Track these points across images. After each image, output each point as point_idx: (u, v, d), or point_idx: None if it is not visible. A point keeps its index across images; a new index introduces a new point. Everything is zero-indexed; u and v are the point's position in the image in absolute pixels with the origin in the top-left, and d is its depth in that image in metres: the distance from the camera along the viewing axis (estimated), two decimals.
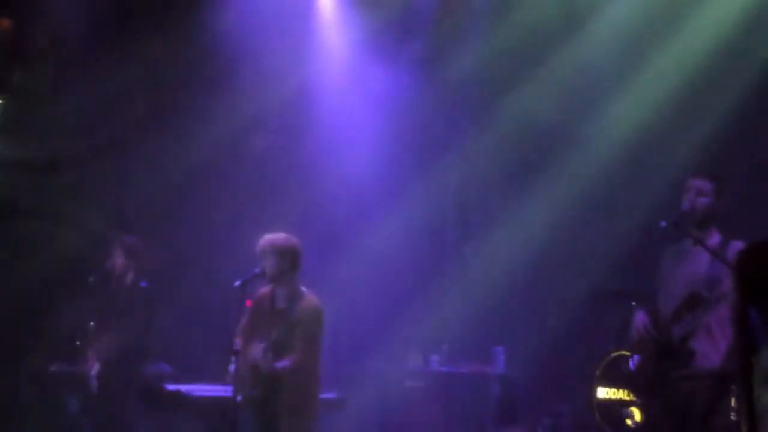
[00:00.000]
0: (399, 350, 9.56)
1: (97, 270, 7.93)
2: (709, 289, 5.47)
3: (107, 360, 7.63)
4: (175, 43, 9.45)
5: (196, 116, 9.67)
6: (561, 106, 9.22)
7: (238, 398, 6.03)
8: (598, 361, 7.96)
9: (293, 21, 9.77)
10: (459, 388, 8.98)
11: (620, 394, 7.75)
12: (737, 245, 5.36)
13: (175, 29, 9.36)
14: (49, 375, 8.12)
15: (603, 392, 7.87)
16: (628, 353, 6.18)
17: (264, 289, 6.44)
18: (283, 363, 6.07)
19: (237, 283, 6.03)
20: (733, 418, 5.38)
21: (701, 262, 5.57)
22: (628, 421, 7.62)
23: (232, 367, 5.96)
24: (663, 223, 5.56)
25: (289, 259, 6.21)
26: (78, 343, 7.92)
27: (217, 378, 6.57)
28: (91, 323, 7.66)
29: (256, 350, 6.10)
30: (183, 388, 7.08)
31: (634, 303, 7.51)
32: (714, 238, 5.61)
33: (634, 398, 6.82)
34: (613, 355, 7.90)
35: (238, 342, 6.16)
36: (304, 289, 6.28)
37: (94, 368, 7.66)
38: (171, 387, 7.13)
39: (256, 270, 6.18)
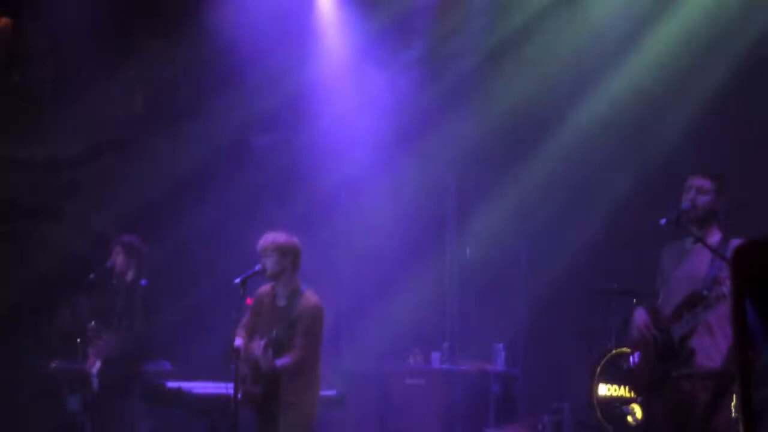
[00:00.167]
0: (399, 348, 9.56)
1: (97, 268, 7.93)
2: (709, 288, 5.47)
3: (108, 358, 7.63)
4: (176, 44, 9.46)
5: (197, 116, 9.68)
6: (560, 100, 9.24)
7: (239, 396, 6.04)
8: (599, 358, 7.96)
9: (293, 22, 9.77)
10: (459, 385, 8.98)
11: (621, 392, 7.75)
12: (737, 244, 5.34)
13: (176, 29, 9.37)
14: (50, 373, 8.13)
15: (604, 390, 7.87)
16: (628, 351, 6.18)
17: (265, 288, 6.45)
18: (283, 360, 6.08)
19: (237, 280, 6.04)
20: (734, 416, 5.38)
21: (702, 261, 5.57)
22: (629, 419, 7.62)
23: (232, 365, 5.96)
24: (663, 222, 5.56)
25: (290, 258, 6.22)
26: (78, 340, 7.92)
27: (218, 375, 6.58)
28: (92, 323, 7.64)
29: (257, 347, 6.11)
30: (183, 385, 7.09)
31: (634, 300, 7.53)
32: (714, 237, 5.61)
33: (635, 396, 6.82)
34: (613, 352, 7.91)
35: (238, 340, 6.18)
36: (304, 287, 6.29)
37: (96, 366, 7.66)
38: (171, 384, 7.15)
39: (257, 267, 6.18)
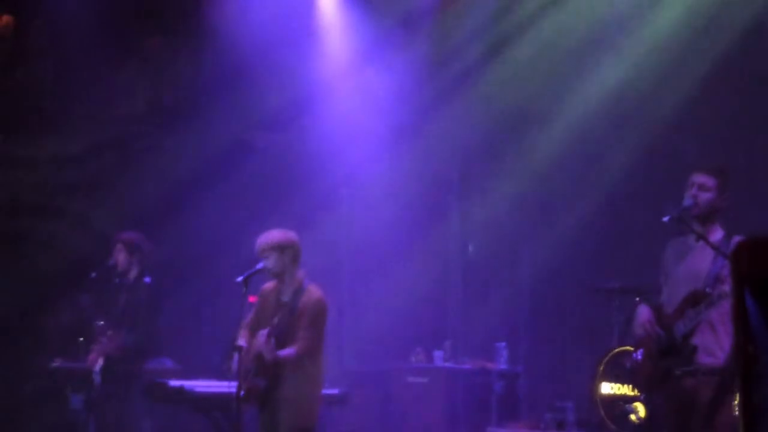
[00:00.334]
0: (401, 346, 9.56)
1: (99, 266, 7.93)
2: (711, 286, 5.45)
3: (111, 356, 7.62)
4: (178, 43, 9.46)
5: (199, 115, 9.67)
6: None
7: (241, 393, 6.04)
8: (602, 356, 7.95)
9: (294, 21, 9.77)
10: (462, 384, 8.98)
11: (624, 390, 7.74)
12: (738, 240, 5.33)
13: (178, 28, 9.38)
14: (52, 371, 8.13)
15: (606, 388, 7.86)
16: (631, 349, 6.17)
17: (269, 284, 6.45)
18: (287, 351, 6.08)
19: (240, 278, 6.04)
20: (736, 413, 5.37)
21: (704, 258, 5.55)
22: (632, 417, 7.61)
23: (234, 363, 5.96)
24: (665, 219, 5.54)
25: (289, 255, 6.22)
26: (81, 339, 7.92)
27: (220, 374, 6.58)
28: (102, 322, 7.63)
29: (259, 338, 6.11)
30: (186, 383, 7.09)
31: (637, 298, 7.52)
32: (717, 234, 5.59)
33: (638, 394, 6.81)
34: (616, 350, 7.90)
35: (242, 339, 6.18)
36: (307, 282, 6.29)
37: (98, 364, 7.66)
38: (173, 383, 7.15)
39: (259, 265, 6.18)
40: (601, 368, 7.88)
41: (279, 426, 6.13)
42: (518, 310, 9.49)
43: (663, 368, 5.57)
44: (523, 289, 9.51)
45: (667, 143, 8.75)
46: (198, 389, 7.02)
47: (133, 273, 7.87)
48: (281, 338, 6.10)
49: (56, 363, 8.13)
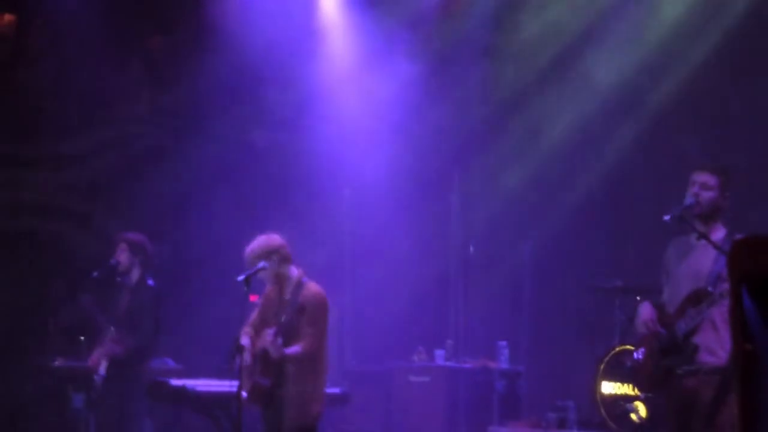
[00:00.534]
0: (403, 345, 9.56)
1: (101, 266, 7.93)
2: (713, 285, 5.44)
3: (116, 358, 7.61)
4: (180, 42, 9.47)
5: (202, 114, 9.68)
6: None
7: (243, 393, 6.04)
8: (603, 355, 7.95)
9: (297, 21, 9.77)
10: (463, 383, 8.97)
11: (625, 389, 7.74)
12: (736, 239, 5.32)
13: (180, 27, 9.38)
14: (53, 370, 8.13)
15: (608, 387, 7.86)
16: (632, 348, 6.16)
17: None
18: (293, 349, 6.10)
19: (241, 277, 6.04)
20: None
21: (706, 257, 5.54)
22: (633, 416, 7.61)
23: (236, 362, 5.97)
24: (667, 218, 5.53)
25: (276, 258, 6.24)
26: (82, 338, 7.92)
27: (222, 373, 6.58)
28: (111, 327, 7.62)
29: (266, 336, 6.12)
30: (187, 383, 7.10)
31: (638, 297, 7.51)
32: (719, 233, 5.58)
33: (639, 393, 6.80)
34: (617, 349, 7.89)
35: (245, 338, 6.19)
36: (305, 278, 6.30)
37: (103, 365, 7.64)
38: (175, 382, 7.15)
39: (260, 264, 6.19)
40: (602, 367, 7.87)
41: (283, 424, 6.14)
42: (519, 309, 9.49)
43: (664, 367, 5.57)
44: (525, 289, 9.50)
45: (669, 142, 8.75)
46: (199, 388, 7.02)
47: (135, 274, 7.86)
48: (286, 336, 6.12)
49: (57, 362, 8.13)
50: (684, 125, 8.72)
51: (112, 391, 7.61)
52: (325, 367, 6.28)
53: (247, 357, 6.10)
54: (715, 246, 5.44)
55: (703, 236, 5.51)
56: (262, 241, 6.28)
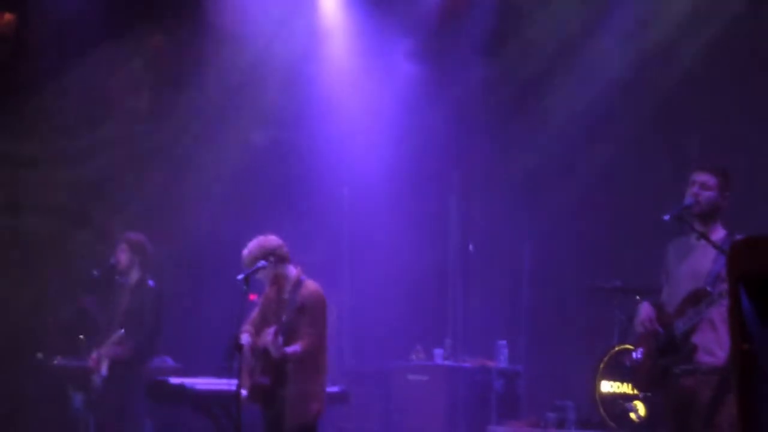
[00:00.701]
0: (402, 344, 9.56)
1: (101, 265, 7.94)
2: (712, 285, 5.45)
3: (118, 360, 7.60)
4: (181, 40, 9.46)
5: (203, 113, 9.68)
6: None
7: (243, 392, 6.05)
8: (602, 355, 7.95)
9: (298, 20, 9.77)
10: (462, 382, 8.98)
11: (624, 389, 7.74)
12: (735, 240, 5.32)
13: (181, 25, 9.37)
14: (53, 369, 8.13)
15: (607, 386, 7.87)
16: (631, 348, 6.17)
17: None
18: (293, 348, 6.11)
19: (240, 276, 6.05)
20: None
21: (706, 257, 5.54)
22: (632, 416, 7.61)
23: (235, 361, 5.97)
24: (666, 217, 5.54)
25: (273, 259, 6.25)
26: (82, 337, 7.92)
27: (221, 372, 6.58)
28: (122, 330, 7.61)
29: (266, 335, 6.13)
30: (186, 381, 7.10)
31: (637, 297, 7.52)
32: (718, 233, 5.58)
33: (638, 392, 6.81)
34: (616, 349, 7.90)
35: (245, 336, 6.19)
36: (303, 277, 6.32)
37: (104, 367, 7.63)
38: (174, 381, 7.15)
39: (260, 264, 6.19)
40: (602, 367, 7.88)
41: (283, 423, 6.15)
42: (518, 308, 9.50)
43: (662, 366, 5.57)
44: (524, 288, 9.51)
45: (669, 142, 8.75)
46: (198, 387, 7.03)
47: (135, 274, 7.86)
48: (286, 335, 6.13)
49: (57, 362, 8.13)
50: (684, 125, 8.73)
51: (112, 390, 7.61)
52: (326, 365, 6.29)
53: (247, 356, 6.11)
54: (715, 246, 5.45)
55: (703, 236, 5.51)
56: (258, 242, 6.30)
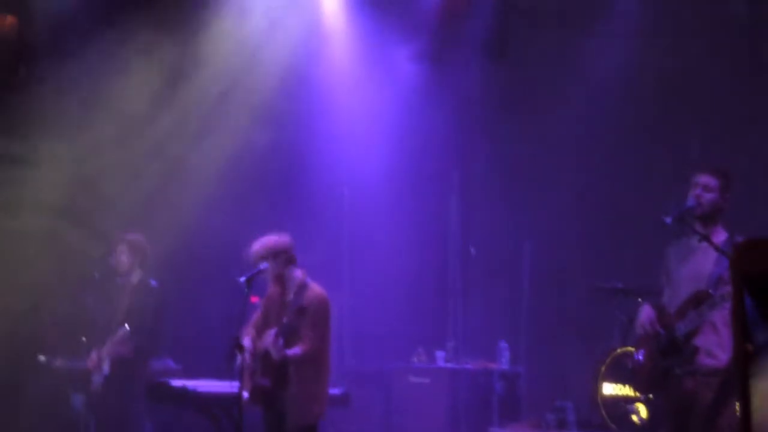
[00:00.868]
0: (403, 347, 9.56)
1: (101, 266, 7.93)
2: (714, 287, 5.45)
3: (121, 359, 7.60)
4: (181, 39, 9.45)
5: (202, 112, 9.67)
6: None
7: (245, 394, 6.05)
8: (604, 357, 7.95)
9: (298, 19, 9.77)
10: (463, 384, 8.97)
11: (625, 391, 7.74)
12: (738, 242, 5.33)
13: (181, 25, 9.37)
14: (53, 370, 8.13)
15: (608, 388, 7.86)
16: (633, 349, 6.17)
17: (274, 287, 6.46)
18: (294, 351, 6.11)
19: (242, 278, 6.05)
20: (738, 415, 5.35)
21: (707, 259, 5.55)
22: (634, 418, 7.61)
23: (237, 363, 5.97)
24: (667, 219, 5.54)
25: (282, 258, 6.25)
26: (83, 338, 7.92)
27: (222, 374, 6.58)
28: (126, 325, 7.60)
29: (267, 337, 6.13)
30: (188, 383, 7.10)
31: (639, 299, 7.51)
32: (720, 235, 5.59)
33: (639, 394, 6.81)
34: (618, 351, 7.90)
35: (247, 339, 6.19)
36: (308, 279, 6.31)
37: (106, 366, 7.63)
38: (176, 383, 7.15)
39: (262, 265, 6.19)
40: (603, 369, 7.88)
41: (284, 425, 6.15)
42: (520, 310, 9.50)
43: (663, 368, 5.57)
44: (525, 290, 9.51)
45: (669, 142, 8.75)
46: (200, 389, 7.03)
47: (136, 274, 7.86)
48: (287, 337, 6.12)
49: (57, 363, 8.12)
50: (684, 125, 8.73)
51: (112, 391, 7.60)
52: (328, 368, 6.29)
53: (248, 357, 6.11)
54: (717, 248, 5.45)
55: (705, 238, 5.51)
56: (271, 240, 6.28)
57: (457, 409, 8.90)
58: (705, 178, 5.62)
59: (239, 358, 5.97)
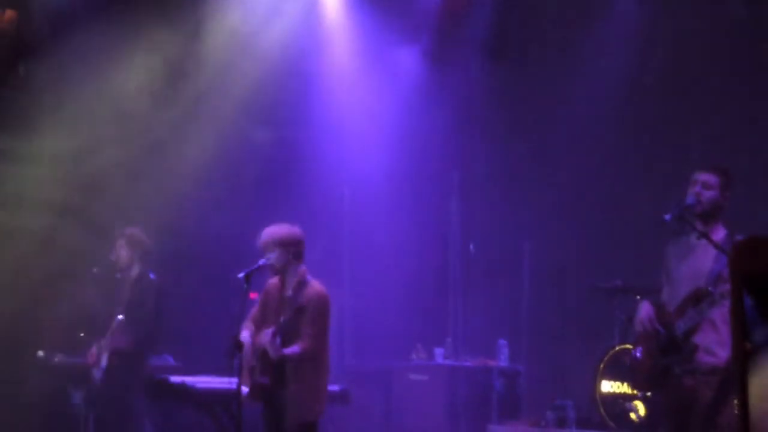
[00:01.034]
0: (403, 344, 9.57)
1: (101, 261, 7.94)
2: (713, 285, 5.45)
3: (120, 351, 7.61)
4: (181, 38, 9.45)
5: (203, 111, 9.67)
6: None
7: (244, 390, 6.05)
8: (602, 355, 7.96)
9: (298, 18, 9.77)
10: (463, 381, 8.98)
11: (624, 388, 7.75)
12: (737, 239, 5.34)
13: (183, 22, 9.37)
14: (53, 366, 8.13)
15: (607, 386, 7.87)
16: (631, 347, 6.18)
17: (273, 280, 6.46)
18: (292, 349, 6.10)
19: (241, 274, 6.04)
20: (737, 413, 5.34)
21: (706, 257, 5.55)
22: (632, 416, 7.62)
23: (236, 359, 5.97)
24: (667, 217, 5.54)
25: (292, 250, 6.24)
26: (82, 334, 7.92)
27: (222, 370, 6.58)
28: (121, 316, 7.61)
29: (265, 335, 6.13)
30: (187, 380, 7.10)
31: (637, 297, 7.52)
32: (719, 233, 5.59)
33: (637, 391, 6.81)
34: (617, 349, 7.90)
35: (245, 333, 6.19)
36: (309, 277, 6.30)
37: (104, 359, 7.65)
38: (175, 379, 7.16)
39: (260, 262, 6.19)
40: (602, 366, 7.89)
41: (284, 422, 6.14)
42: (519, 308, 9.50)
43: (662, 366, 5.57)
44: (524, 287, 9.52)
45: (669, 142, 8.76)
46: (199, 385, 7.03)
47: (136, 269, 7.87)
48: (285, 335, 6.12)
49: (57, 359, 8.13)
50: (684, 125, 8.73)
51: (111, 385, 7.61)
52: (327, 365, 6.28)
53: (247, 354, 6.11)
54: (716, 246, 5.45)
55: (704, 236, 5.51)
56: (284, 229, 6.26)
57: (456, 406, 8.91)
58: (705, 176, 5.63)
59: (238, 354, 5.96)
